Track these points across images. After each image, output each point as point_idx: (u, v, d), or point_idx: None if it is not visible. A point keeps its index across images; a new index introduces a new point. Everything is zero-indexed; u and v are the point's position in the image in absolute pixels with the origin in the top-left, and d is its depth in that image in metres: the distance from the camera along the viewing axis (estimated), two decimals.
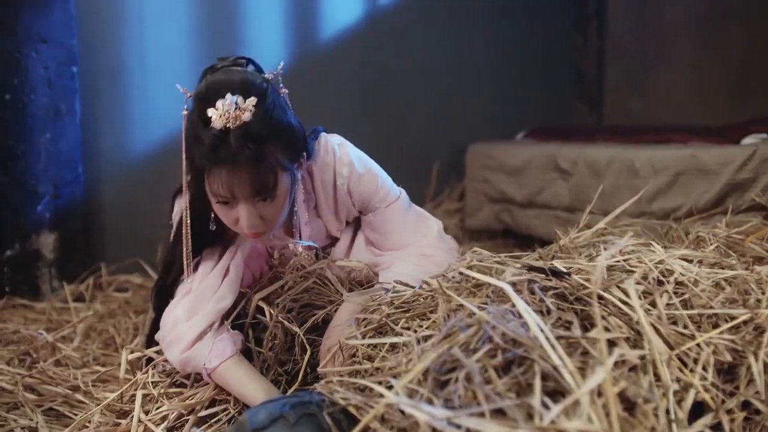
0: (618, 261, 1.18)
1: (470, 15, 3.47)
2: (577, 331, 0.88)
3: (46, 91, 2.26)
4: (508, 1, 3.59)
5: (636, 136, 2.84)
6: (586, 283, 0.96)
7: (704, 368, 0.92)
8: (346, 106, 3.13)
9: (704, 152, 2.30)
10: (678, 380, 0.89)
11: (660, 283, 1.08)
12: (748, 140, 2.49)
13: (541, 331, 0.84)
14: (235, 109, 1.18)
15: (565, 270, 1.01)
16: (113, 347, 1.84)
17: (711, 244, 1.52)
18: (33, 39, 2.22)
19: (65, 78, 2.31)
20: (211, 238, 1.39)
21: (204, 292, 1.37)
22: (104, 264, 2.42)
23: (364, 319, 1.12)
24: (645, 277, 1.11)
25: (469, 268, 1.02)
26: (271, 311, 1.37)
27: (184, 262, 1.36)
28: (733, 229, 1.53)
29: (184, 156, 1.29)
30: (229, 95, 1.19)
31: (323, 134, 1.47)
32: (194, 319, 1.35)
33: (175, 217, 1.45)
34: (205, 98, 1.21)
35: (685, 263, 1.13)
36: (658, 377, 0.87)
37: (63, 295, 2.22)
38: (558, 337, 0.85)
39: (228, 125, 1.18)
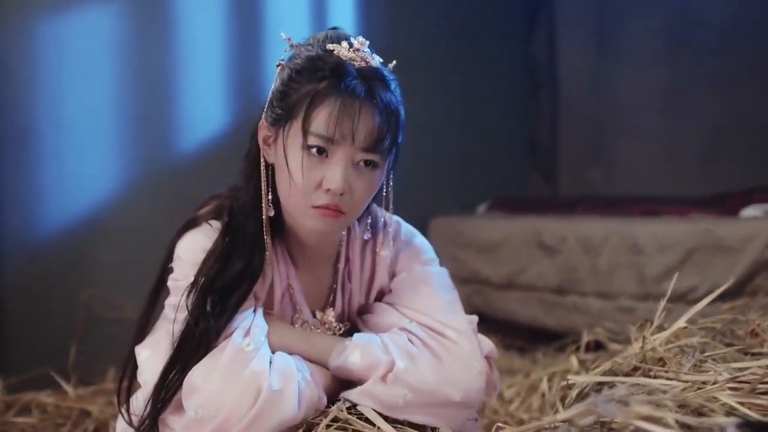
0: None
1: (423, 84, 3.20)
2: None
3: None
4: (460, 69, 3.37)
5: (621, 208, 2.60)
6: None
7: None
8: None
9: (720, 226, 2.07)
10: None
11: None
12: (749, 210, 2.30)
13: None
14: (364, 52, 1.01)
15: None
16: None
17: None
18: None
19: None
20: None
21: None
22: (1, 378, 1.88)
23: None
24: None
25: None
26: None
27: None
28: None
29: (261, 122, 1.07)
30: (360, 38, 1.02)
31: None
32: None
33: (186, 255, 1.06)
34: (326, 39, 1.02)
35: None
36: None
37: None
38: None
39: (354, 63, 0.98)
